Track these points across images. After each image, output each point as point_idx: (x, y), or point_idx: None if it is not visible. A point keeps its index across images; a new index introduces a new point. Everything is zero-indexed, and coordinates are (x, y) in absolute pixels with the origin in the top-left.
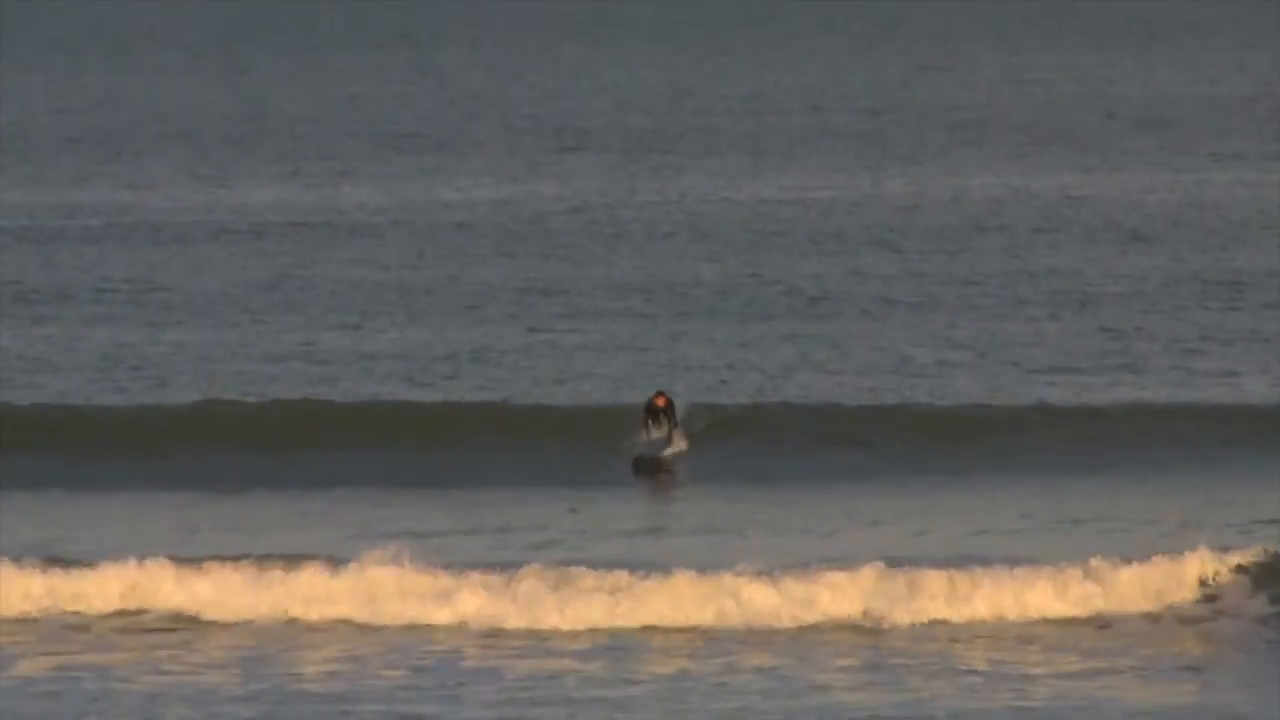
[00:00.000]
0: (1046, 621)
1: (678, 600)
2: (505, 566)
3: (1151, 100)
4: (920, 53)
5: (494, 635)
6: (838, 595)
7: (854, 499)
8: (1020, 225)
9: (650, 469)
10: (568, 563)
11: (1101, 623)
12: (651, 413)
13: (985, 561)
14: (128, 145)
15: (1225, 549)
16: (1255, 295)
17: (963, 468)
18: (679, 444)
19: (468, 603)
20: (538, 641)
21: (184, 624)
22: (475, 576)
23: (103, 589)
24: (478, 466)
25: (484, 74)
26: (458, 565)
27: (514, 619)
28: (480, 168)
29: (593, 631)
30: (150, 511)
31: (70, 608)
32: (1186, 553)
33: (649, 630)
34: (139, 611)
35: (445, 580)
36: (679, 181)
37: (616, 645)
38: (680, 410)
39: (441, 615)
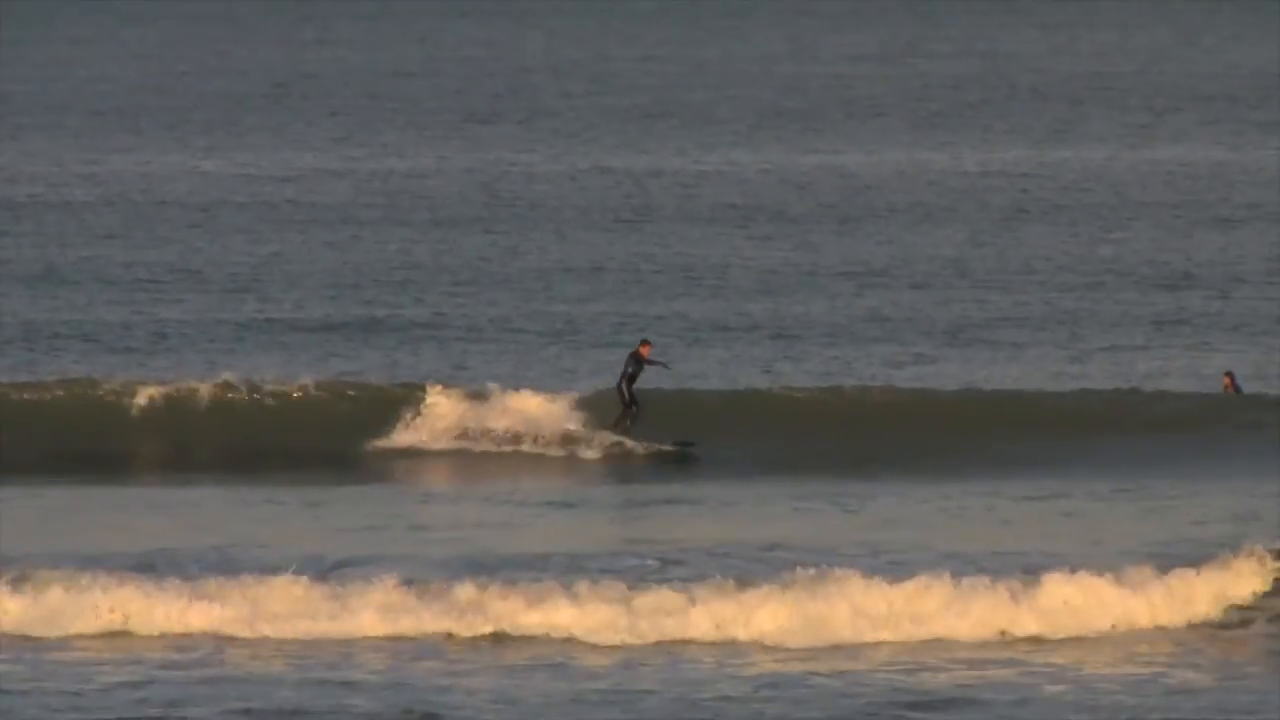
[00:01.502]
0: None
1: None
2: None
3: (1040, 74)
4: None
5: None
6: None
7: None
8: (904, 201)
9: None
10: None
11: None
12: (637, 362)
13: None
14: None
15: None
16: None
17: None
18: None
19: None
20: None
21: None
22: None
23: None
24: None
25: (368, 46)
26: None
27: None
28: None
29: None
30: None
31: None
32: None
33: None
34: None
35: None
36: (569, 156)
37: None
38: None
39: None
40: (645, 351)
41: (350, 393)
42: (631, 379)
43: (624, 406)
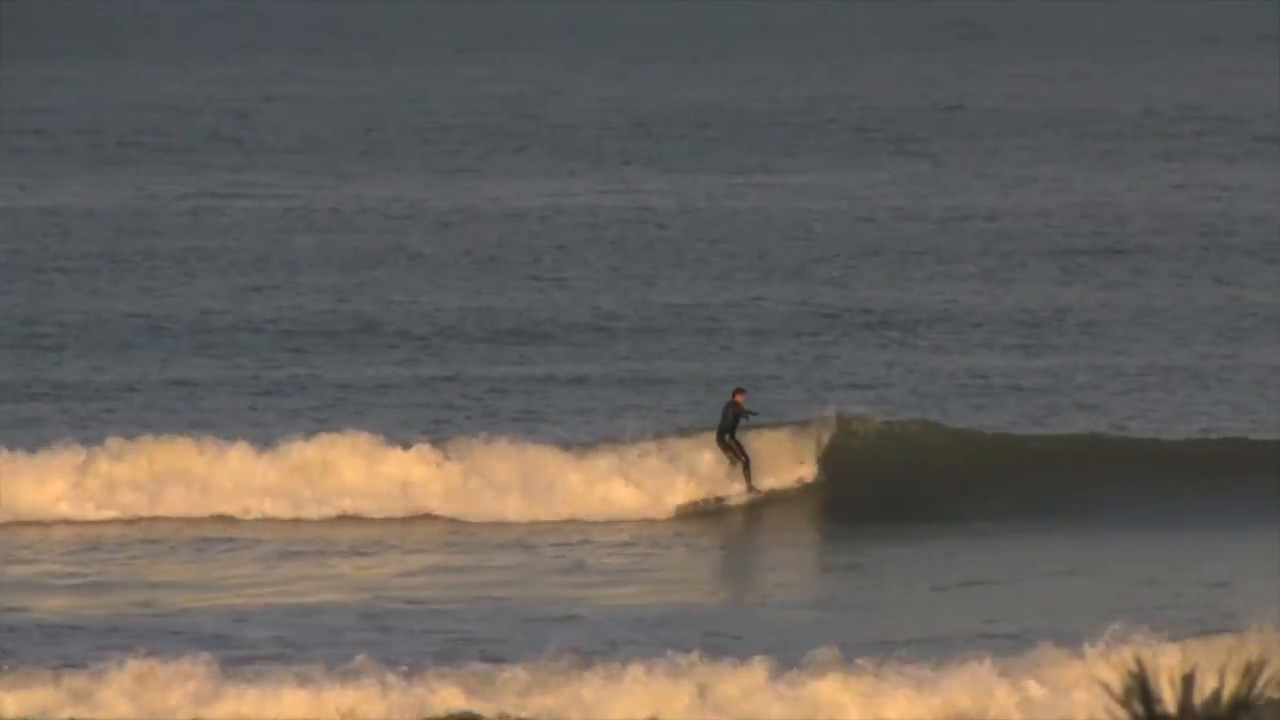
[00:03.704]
0: None
1: None
2: None
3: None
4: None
5: None
6: None
7: None
8: (686, 232)
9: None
10: None
11: None
12: (735, 412)
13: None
14: None
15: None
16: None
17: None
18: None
19: None
20: None
21: None
22: None
23: None
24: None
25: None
26: None
27: None
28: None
29: None
30: None
31: None
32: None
33: None
34: None
35: None
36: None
37: None
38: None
39: None
40: (740, 400)
41: None
42: (732, 429)
43: (732, 457)
